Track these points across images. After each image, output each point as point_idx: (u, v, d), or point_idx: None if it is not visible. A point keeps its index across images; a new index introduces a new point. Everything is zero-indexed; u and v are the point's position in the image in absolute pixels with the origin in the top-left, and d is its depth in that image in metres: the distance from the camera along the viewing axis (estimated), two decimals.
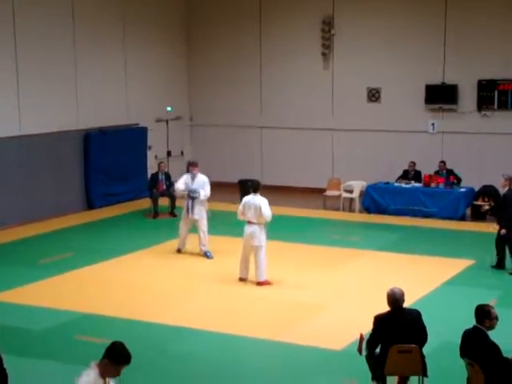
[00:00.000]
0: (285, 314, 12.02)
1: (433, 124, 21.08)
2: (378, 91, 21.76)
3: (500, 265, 14.36)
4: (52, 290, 13.39)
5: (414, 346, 8.14)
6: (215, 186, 23.42)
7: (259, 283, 13.42)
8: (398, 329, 8.20)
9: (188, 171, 15.72)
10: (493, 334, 7.88)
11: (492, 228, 15.19)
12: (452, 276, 13.89)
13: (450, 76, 20.69)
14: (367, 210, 19.57)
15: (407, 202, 19.06)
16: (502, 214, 14.44)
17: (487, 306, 8.07)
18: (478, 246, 16.32)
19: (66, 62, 19.74)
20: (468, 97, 20.55)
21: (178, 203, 18.79)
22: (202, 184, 15.31)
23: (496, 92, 20.14)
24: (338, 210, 19.70)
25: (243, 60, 23.30)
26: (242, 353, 10.50)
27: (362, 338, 8.49)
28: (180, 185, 15.47)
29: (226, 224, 17.41)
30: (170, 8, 23.29)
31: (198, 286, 13.50)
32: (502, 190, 14.88)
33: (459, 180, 19.56)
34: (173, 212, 19.27)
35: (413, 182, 19.68)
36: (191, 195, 15.15)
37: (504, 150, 20.32)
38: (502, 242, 14.30)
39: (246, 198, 13.59)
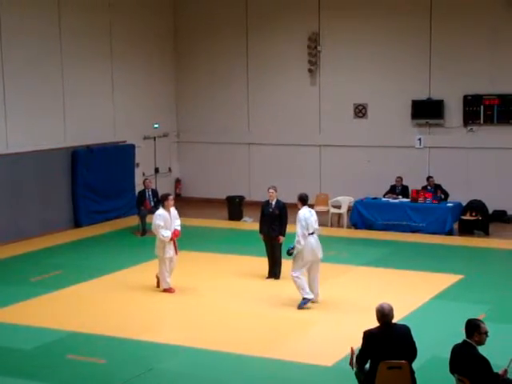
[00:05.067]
0: (274, 330, 11.99)
1: (419, 139, 21.18)
2: (364, 107, 21.86)
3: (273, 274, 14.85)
4: (41, 308, 13.31)
5: (403, 361, 8.13)
6: (203, 202, 23.62)
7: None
8: (387, 344, 8.19)
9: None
10: (482, 349, 7.89)
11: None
12: (440, 291, 13.90)
13: (436, 91, 20.82)
14: (355, 225, 19.61)
15: (395, 217, 19.11)
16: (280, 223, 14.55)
17: (477, 320, 8.09)
18: (466, 261, 16.42)
19: (53, 79, 19.76)
20: (454, 112, 20.69)
21: None
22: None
23: (482, 107, 20.28)
24: (326, 225, 19.69)
25: (230, 77, 23.37)
26: (232, 370, 10.43)
27: (353, 352, 8.50)
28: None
29: (214, 240, 17.33)
30: (157, 25, 23.36)
31: (188, 303, 13.46)
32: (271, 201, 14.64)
33: (446, 195, 19.62)
34: None
35: (400, 197, 19.74)
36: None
37: (490, 165, 20.45)
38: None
39: (164, 212, 14.06)
